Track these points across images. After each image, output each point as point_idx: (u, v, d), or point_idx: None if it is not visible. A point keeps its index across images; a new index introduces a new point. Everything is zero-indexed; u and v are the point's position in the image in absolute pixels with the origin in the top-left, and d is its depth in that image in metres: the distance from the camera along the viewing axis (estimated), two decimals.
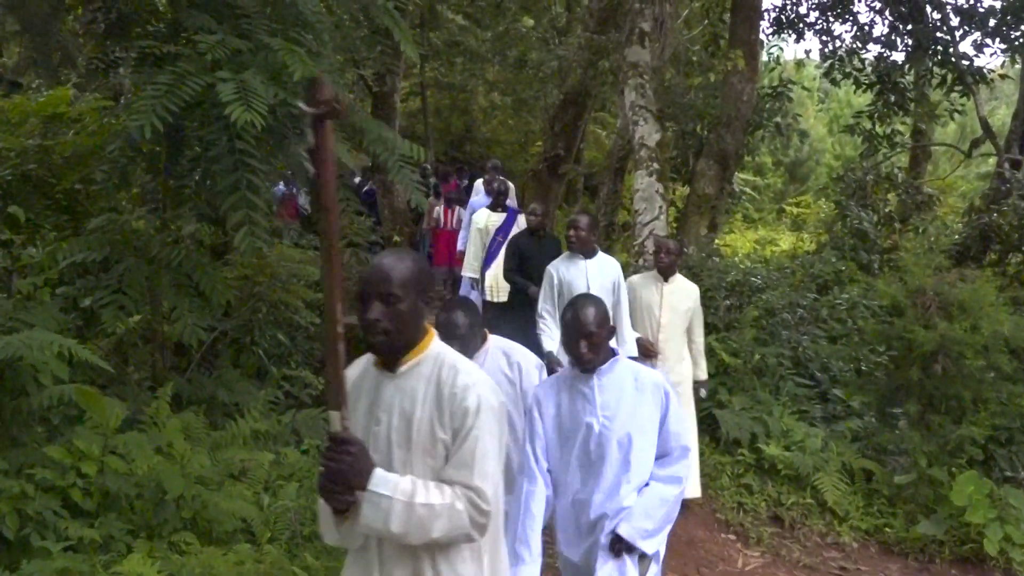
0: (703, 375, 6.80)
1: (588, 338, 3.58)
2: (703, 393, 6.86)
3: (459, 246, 11.17)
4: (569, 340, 3.64)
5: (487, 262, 9.44)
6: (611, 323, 3.71)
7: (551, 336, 6.40)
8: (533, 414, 3.79)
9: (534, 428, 3.77)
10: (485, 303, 9.41)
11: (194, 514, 4.80)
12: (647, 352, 6.47)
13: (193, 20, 5.57)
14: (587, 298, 3.74)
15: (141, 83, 5.40)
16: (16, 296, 5.46)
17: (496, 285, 9.21)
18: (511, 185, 10.46)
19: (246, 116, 4.74)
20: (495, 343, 4.39)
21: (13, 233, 6.14)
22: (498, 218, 9.56)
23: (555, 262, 6.67)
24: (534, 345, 7.94)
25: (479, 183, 12.43)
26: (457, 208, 13.36)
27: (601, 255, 6.67)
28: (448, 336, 3.66)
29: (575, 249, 6.91)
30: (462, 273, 10.23)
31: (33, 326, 4.87)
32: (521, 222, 9.23)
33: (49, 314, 5.21)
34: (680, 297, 6.63)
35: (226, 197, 5.35)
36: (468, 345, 3.93)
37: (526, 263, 8.06)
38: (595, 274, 6.50)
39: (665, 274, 6.63)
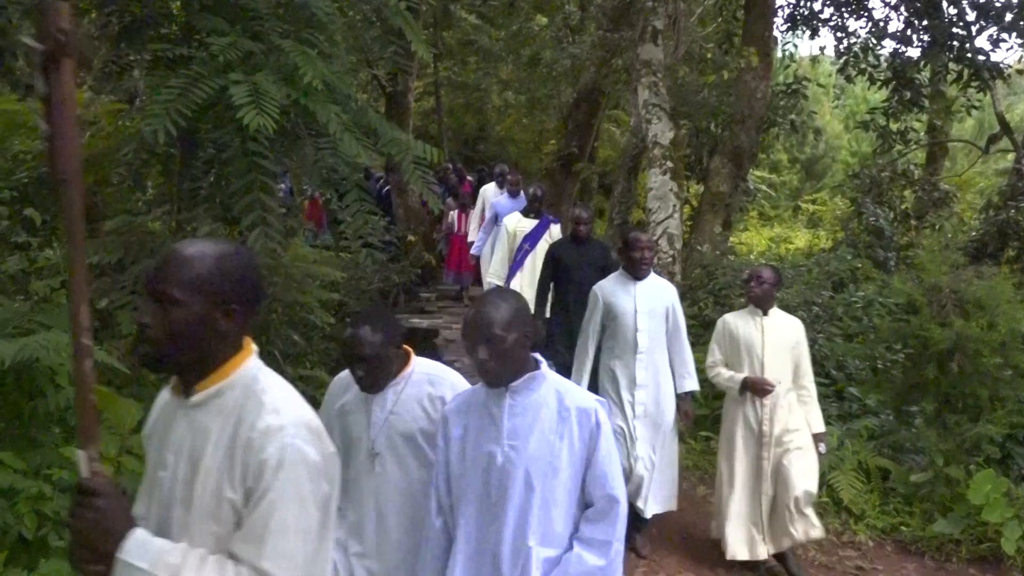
0: (820, 426, 5.76)
1: (490, 343, 2.82)
2: (823, 448, 5.79)
3: (473, 250, 11.16)
4: (468, 344, 2.90)
5: (512, 271, 8.95)
6: (531, 328, 2.94)
7: (582, 371, 5.86)
8: (438, 438, 3.14)
9: (438, 456, 3.11)
10: None
11: None
12: (761, 389, 5.60)
13: (205, 23, 5.60)
14: (498, 293, 2.98)
15: (155, 86, 5.44)
16: (33, 298, 5.50)
17: None
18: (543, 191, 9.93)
19: (259, 120, 4.76)
20: (421, 368, 3.56)
21: (30, 236, 6.19)
22: (528, 224, 9.07)
23: (602, 283, 5.94)
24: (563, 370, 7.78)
25: (490, 186, 12.20)
26: (471, 212, 13.00)
27: (654, 277, 5.90)
28: (351, 357, 3.31)
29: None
30: (486, 279, 9.71)
31: (50, 328, 4.91)
32: (555, 232, 8.89)
33: (65, 316, 5.22)
34: (783, 332, 5.76)
35: (239, 199, 5.39)
36: (379, 369, 3.34)
37: (565, 273, 7.44)
38: (645, 299, 5.79)
39: (762, 306, 5.77)
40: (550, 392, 2.99)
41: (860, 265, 10.37)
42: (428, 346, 11.89)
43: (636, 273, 5.77)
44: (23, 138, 7.03)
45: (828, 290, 9.51)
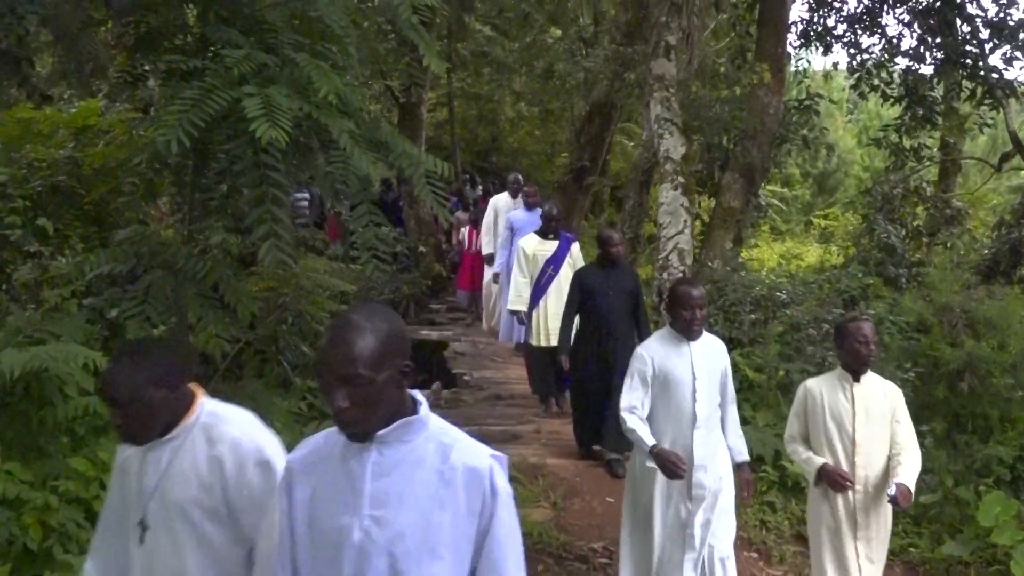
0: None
1: (350, 382, 2.14)
2: None
3: (495, 267, 10.84)
4: (322, 383, 2.22)
5: (535, 298, 8.40)
6: (408, 359, 2.27)
7: (642, 440, 4.76)
8: (279, 503, 2.38)
9: (281, 529, 2.37)
10: (529, 347, 8.61)
11: None
12: (839, 484, 4.57)
13: (220, 35, 5.63)
14: (364, 314, 2.23)
15: (168, 96, 5.47)
16: (44, 307, 5.53)
17: (544, 326, 8.24)
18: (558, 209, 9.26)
19: (271, 133, 4.78)
20: (206, 417, 2.75)
21: (42, 245, 6.22)
22: (549, 247, 8.52)
23: (648, 344, 4.99)
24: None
25: (502, 196, 11.74)
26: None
27: (707, 336, 4.99)
28: (106, 401, 2.67)
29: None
30: (507, 307, 9.10)
31: (60, 337, 4.94)
32: (575, 251, 8.47)
33: (76, 325, 5.28)
34: (878, 400, 4.69)
35: (251, 211, 5.41)
36: (141, 418, 2.60)
37: (592, 300, 7.07)
38: (703, 362, 4.85)
39: (856, 370, 4.71)
40: (431, 445, 2.27)
41: (871, 282, 10.32)
42: (438, 358, 11.90)
43: (689, 334, 4.82)
44: (37, 145, 7.09)
45: (839, 307, 9.47)
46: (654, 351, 4.88)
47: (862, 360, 4.64)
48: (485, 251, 11.46)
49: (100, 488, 4.43)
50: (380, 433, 2.23)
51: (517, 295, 8.62)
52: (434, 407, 8.26)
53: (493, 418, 8.65)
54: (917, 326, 8.03)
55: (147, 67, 6.57)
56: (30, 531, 4.06)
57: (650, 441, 4.65)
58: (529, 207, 10.53)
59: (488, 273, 11.47)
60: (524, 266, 8.52)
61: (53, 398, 4.58)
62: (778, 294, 9.25)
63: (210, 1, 6.00)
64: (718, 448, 4.87)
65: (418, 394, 2.37)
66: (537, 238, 8.63)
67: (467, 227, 13.32)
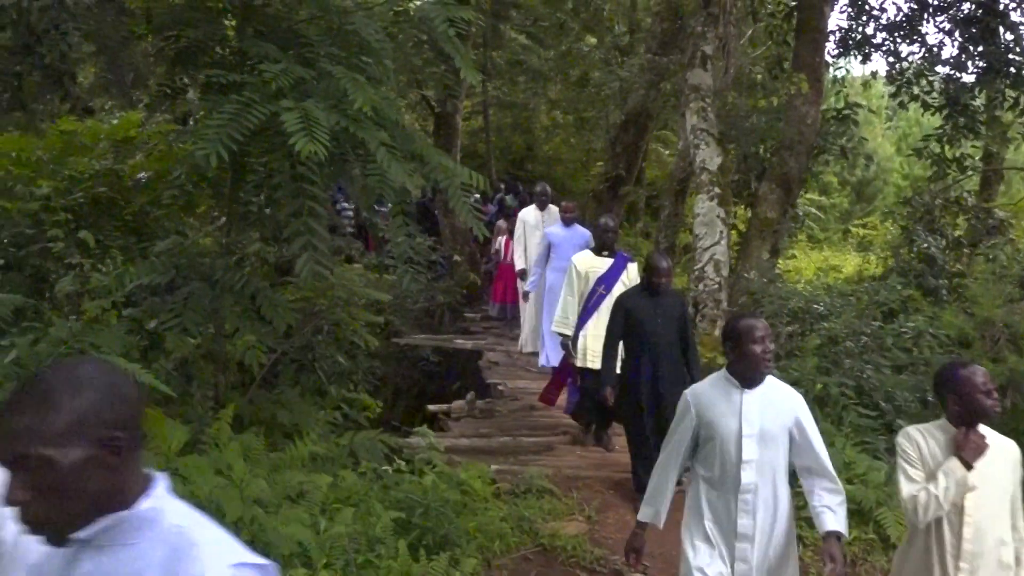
0: None
1: (21, 465, 1.56)
2: None
3: (527, 286, 10.64)
4: None
5: (583, 319, 7.84)
6: (125, 429, 1.64)
7: (659, 502, 4.22)
8: None
9: None
10: (574, 368, 8.10)
11: (252, 537, 4.85)
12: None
13: (258, 49, 5.69)
14: (43, 381, 1.59)
15: (207, 110, 5.54)
16: (84, 318, 5.61)
17: (591, 348, 7.63)
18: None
19: (310, 147, 4.83)
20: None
21: (83, 257, 6.32)
22: (602, 264, 7.90)
23: (695, 390, 4.23)
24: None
25: (529, 210, 11.41)
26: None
27: (771, 381, 4.05)
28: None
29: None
30: (552, 328, 8.55)
31: (100, 348, 5.00)
32: (632, 272, 7.77)
33: (115, 336, 5.34)
34: (1001, 468, 3.75)
35: (288, 223, 5.46)
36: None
37: (638, 327, 6.62)
38: (756, 415, 3.95)
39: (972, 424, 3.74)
40: (158, 551, 1.64)
41: (911, 294, 10.19)
42: (472, 368, 11.91)
43: (748, 377, 3.98)
44: (79, 157, 7.20)
45: (877, 320, 9.35)
46: (699, 396, 4.13)
47: (986, 412, 3.70)
48: (517, 266, 11.29)
49: None
50: (83, 535, 1.63)
51: (564, 317, 8.00)
52: (468, 417, 8.23)
53: (527, 428, 8.64)
54: (958, 340, 7.90)
55: (186, 80, 6.66)
56: None
57: (654, 504, 4.21)
58: (567, 223, 10.13)
59: (519, 285, 11.34)
60: (575, 284, 7.91)
61: None
62: (815, 306, 9.16)
63: (248, 16, 6.07)
64: (774, 523, 3.99)
65: (156, 475, 1.76)
66: (591, 255, 8.02)
67: (504, 236, 13.09)
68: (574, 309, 7.90)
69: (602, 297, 7.72)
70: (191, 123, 8.34)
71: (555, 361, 9.11)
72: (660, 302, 6.59)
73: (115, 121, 8.21)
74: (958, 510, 3.69)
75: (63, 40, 6.30)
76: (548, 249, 10.02)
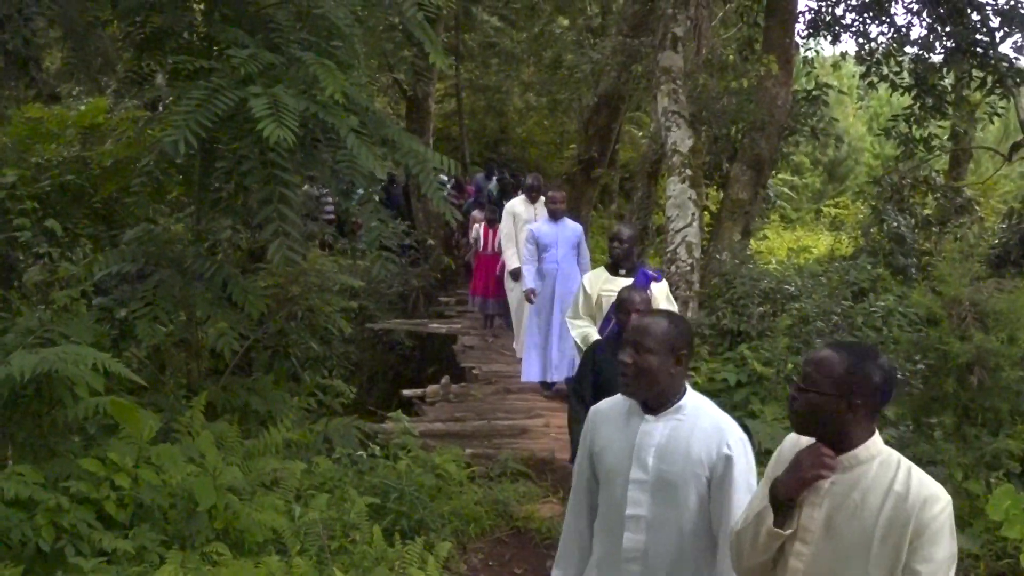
0: None
1: None
2: None
3: (526, 284, 8.95)
4: None
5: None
6: None
7: (566, 561, 3.22)
8: None
9: None
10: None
11: (226, 524, 4.86)
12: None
13: (226, 34, 5.65)
14: None
15: (175, 96, 5.51)
16: (53, 308, 5.57)
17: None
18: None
19: (279, 133, 4.81)
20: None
21: (51, 246, 6.27)
22: (619, 286, 5.76)
23: (600, 407, 3.17)
24: None
25: (517, 202, 10.23)
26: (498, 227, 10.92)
27: (693, 405, 2.95)
28: None
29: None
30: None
31: (69, 338, 4.97)
32: (658, 295, 6.23)
33: (85, 325, 5.31)
34: (868, 517, 2.49)
35: (259, 210, 5.44)
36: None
37: (608, 389, 3.88)
38: (655, 449, 2.89)
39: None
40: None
41: (880, 274, 10.29)
42: (447, 352, 11.92)
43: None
44: (45, 144, 7.12)
45: (847, 299, 9.45)
46: (598, 414, 3.13)
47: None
48: (510, 266, 9.93)
49: (111, 488, 4.47)
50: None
51: (583, 341, 6.13)
52: (443, 401, 8.23)
53: (502, 412, 8.66)
54: (926, 319, 8.00)
55: (154, 66, 6.60)
56: (42, 532, 4.09)
57: None
58: (555, 216, 8.84)
59: (515, 288, 9.95)
60: (580, 308, 6.36)
61: (64, 399, 4.60)
62: (787, 287, 9.23)
63: (216, 0, 6.02)
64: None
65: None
66: (604, 274, 6.42)
67: (481, 224, 12.02)
68: (593, 332, 6.14)
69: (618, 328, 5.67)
70: (160, 109, 8.27)
71: (532, 376, 8.74)
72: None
73: (82, 107, 8.12)
74: (782, 567, 2.55)
75: (27, 26, 6.23)
76: (535, 248, 8.83)
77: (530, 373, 8.84)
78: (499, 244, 10.59)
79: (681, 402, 2.91)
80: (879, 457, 2.45)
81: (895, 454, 2.48)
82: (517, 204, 10.13)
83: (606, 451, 2.99)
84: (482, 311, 12.12)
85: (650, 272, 6.44)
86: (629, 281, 6.03)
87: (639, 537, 2.87)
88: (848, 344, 2.56)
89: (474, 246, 12.31)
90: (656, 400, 2.91)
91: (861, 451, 2.45)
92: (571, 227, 8.91)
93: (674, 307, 6.54)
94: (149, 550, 4.45)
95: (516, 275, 9.69)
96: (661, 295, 6.30)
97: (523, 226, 9.52)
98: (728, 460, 2.81)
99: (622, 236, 6.39)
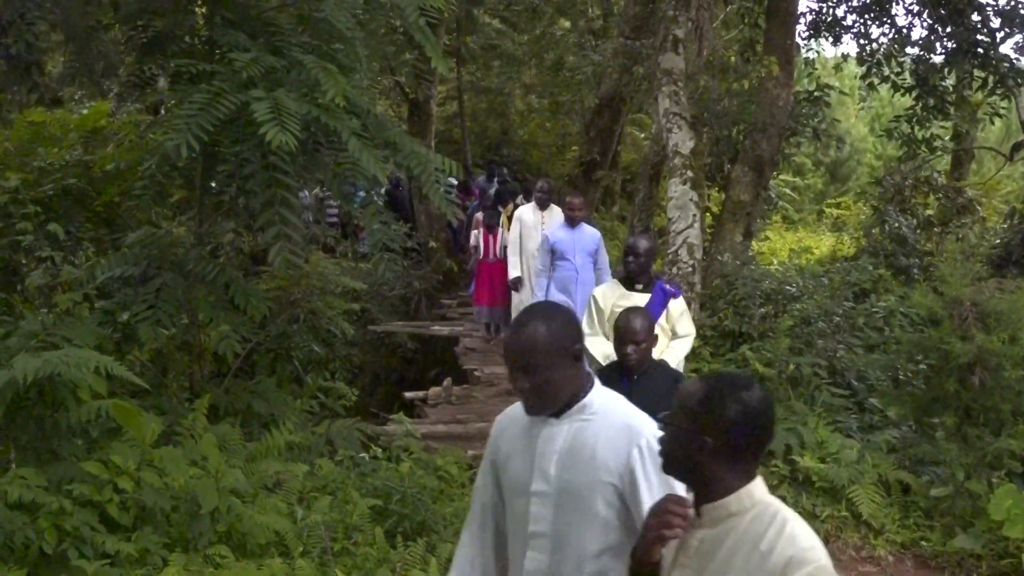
0: None
1: None
2: None
3: (511, 270, 9.04)
4: None
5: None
6: None
7: None
8: None
9: None
10: None
11: (228, 527, 4.88)
12: None
13: (227, 38, 5.67)
14: None
15: (177, 100, 5.53)
16: (56, 311, 5.59)
17: None
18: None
19: (281, 136, 4.83)
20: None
21: (53, 250, 6.29)
22: (640, 300, 5.57)
23: (509, 412, 2.74)
24: None
25: (527, 209, 9.84)
26: (500, 232, 10.83)
27: (605, 406, 2.55)
28: None
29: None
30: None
31: (72, 341, 4.99)
32: (676, 312, 5.81)
33: (88, 328, 5.32)
34: None
35: (261, 213, 5.46)
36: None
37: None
38: (557, 457, 2.51)
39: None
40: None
41: (882, 274, 10.30)
42: (449, 354, 11.92)
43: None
44: (48, 148, 7.15)
45: (849, 300, 9.46)
46: (501, 425, 2.74)
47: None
48: (511, 274, 9.66)
49: (113, 491, 4.48)
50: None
51: (606, 359, 5.52)
52: (445, 403, 8.24)
53: None
54: (928, 319, 8.00)
55: (156, 70, 6.63)
56: (45, 535, 4.11)
57: None
58: (572, 223, 8.31)
59: (516, 298, 9.76)
60: (594, 321, 5.83)
61: (66, 402, 4.62)
62: (788, 288, 9.24)
63: (217, 4, 6.04)
64: None
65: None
66: (620, 288, 5.88)
67: (481, 231, 11.40)
68: (609, 348, 5.26)
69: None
70: (162, 113, 8.29)
71: None
72: (644, 382, 4.57)
73: (84, 111, 8.16)
74: None
75: (29, 30, 6.26)
76: (551, 256, 8.24)
77: None
78: (501, 250, 10.39)
79: (587, 399, 2.51)
80: (754, 510, 2.07)
81: (775, 506, 2.08)
82: (526, 211, 9.78)
83: (510, 461, 2.61)
84: (487, 320, 11.46)
85: (668, 288, 5.92)
86: (646, 297, 5.67)
87: (542, 557, 2.49)
88: (721, 374, 2.23)
89: (474, 253, 11.74)
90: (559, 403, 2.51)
91: (732, 501, 2.08)
92: (589, 233, 8.38)
93: (691, 325, 6.02)
94: (152, 553, 4.47)
95: (515, 285, 9.58)
96: (677, 312, 5.81)
97: (530, 232, 9.32)
98: (641, 466, 2.40)
99: (638, 249, 5.79)
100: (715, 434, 2.03)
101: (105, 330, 5.77)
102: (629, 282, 5.82)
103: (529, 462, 2.51)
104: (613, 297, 5.81)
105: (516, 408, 2.62)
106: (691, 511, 2.11)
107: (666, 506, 2.11)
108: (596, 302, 5.89)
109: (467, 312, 13.60)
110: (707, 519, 2.10)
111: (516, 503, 2.56)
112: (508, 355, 2.49)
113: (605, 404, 2.52)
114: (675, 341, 5.82)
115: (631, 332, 4.42)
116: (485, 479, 2.72)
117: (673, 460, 2.13)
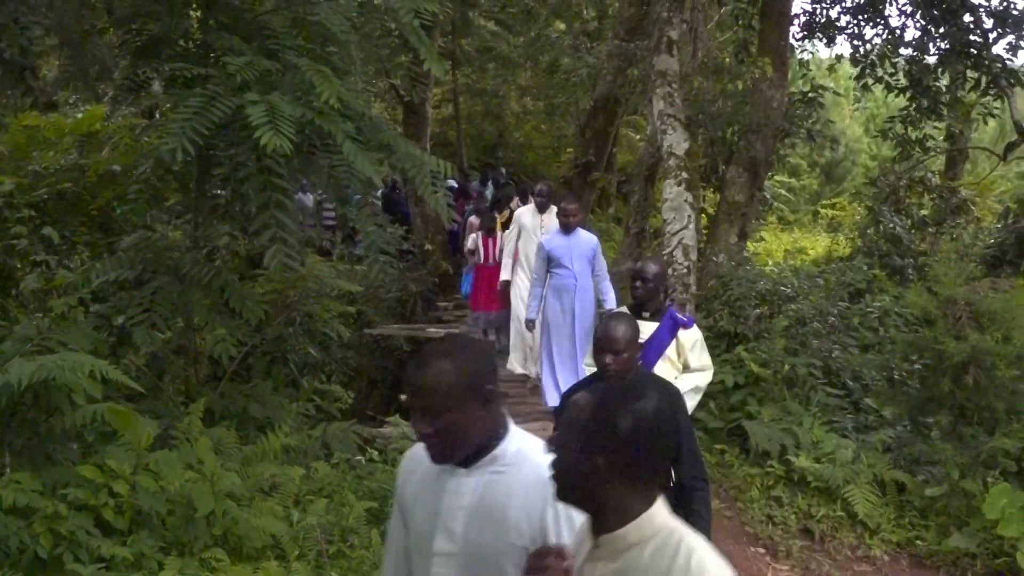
0: None
1: None
2: None
3: (528, 313, 8.23)
4: None
5: None
6: None
7: None
8: None
9: None
10: None
11: (224, 531, 4.87)
12: None
13: (222, 41, 5.68)
14: None
15: (172, 104, 5.53)
16: (51, 316, 5.58)
17: None
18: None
19: (276, 140, 4.83)
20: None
21: (48, 254, 6.28)
22: (647, 329, 5.11)
23: (416, 451, 2.46)
24: None
25: (526, 210, 9.55)
26: (499, 236, 10.44)
27: (518, 455, 2.24)
28: None
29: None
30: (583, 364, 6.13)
31: (67, 345, 4.99)
32: (687, 343, 5.31)
33: (83, 333, 5.32)
34: None
35: (256, 216, 5.46)
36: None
37: None
38: (464, 514, 2.23)
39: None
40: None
41: (876, 275, 10.33)
42: None
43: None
44: (42, 152, 7.15)
45: (844, 300, 9.48)
46: (412, 466, 2.43)
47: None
48: (502, 276, 9.47)
49: (109, 495, 4.48)
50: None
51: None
52: None
53: None
54: (922, 319, 8.03)
55: (150, 74, 6.63)
56: (40, 540, 4.10)
57: None
58: (567, 229, 7.93)
59: (515, 304, 9.32)
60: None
61: (61, 406, 4.61)
62: (783, 288, 9.26)
63: (211, 7, 6.04)
64: None
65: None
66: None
67: (479, 234, 11.04)
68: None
69: (650, 365, 5.18)
70: (157, 116, 8.29)
71: (556, 400, 7.44)
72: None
73: (79, 115, 8.16)
74: None
75: (24, 34, 6.26)
76: (548, 264, 7.95)
77: (552, 397, 7.81)
78: (501, 254, 9.94)
79: (500, 448, 2.22)
80: (656, 538, 1.86)
81: (678, 533, 1.87)
82: (525, 214, 9.44)
83: (415, 508, 2.33)
84: (484, 326, 10.97)
85: (680, 316, 5.45)
86: (654, 326, 5.26)
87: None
88: (611, 387, 2.02)
89: (471, 258, 11.31)
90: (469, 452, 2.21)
91: (631, 531, 1.87)
92: (585, 239, 8.00)
93: (707, 358, 5.50)
94: (148, 557, 4.46)
95: (504, 287, 9.41)
96: (689, 343, 5.30)
97: (529, 236, 9.04)
98: (556, 524, 2.12)
99: (646, 273, 5.32)
100: (607, 454, 1.82)
101: (100, 334, 5.76)
102: (637, 309, 5.30)
103: (434, 516, 2.25)
104: None
105: (421, 449, 2.28)
106: (573, 561, 1.91)
107: (540, 552, 1.94)
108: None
109: (462, 315, 13.57)
110: (606, 551, 1.90)
111: (419, 558, 2.31)
112: (408, 394, 2.24)
113: (520, 454, 2.22)
114: (685, 374, 5.31)
115: (609, 340, 3.97)
116: (396, 521, 2.46)
117: (564, 487, 1.90)
